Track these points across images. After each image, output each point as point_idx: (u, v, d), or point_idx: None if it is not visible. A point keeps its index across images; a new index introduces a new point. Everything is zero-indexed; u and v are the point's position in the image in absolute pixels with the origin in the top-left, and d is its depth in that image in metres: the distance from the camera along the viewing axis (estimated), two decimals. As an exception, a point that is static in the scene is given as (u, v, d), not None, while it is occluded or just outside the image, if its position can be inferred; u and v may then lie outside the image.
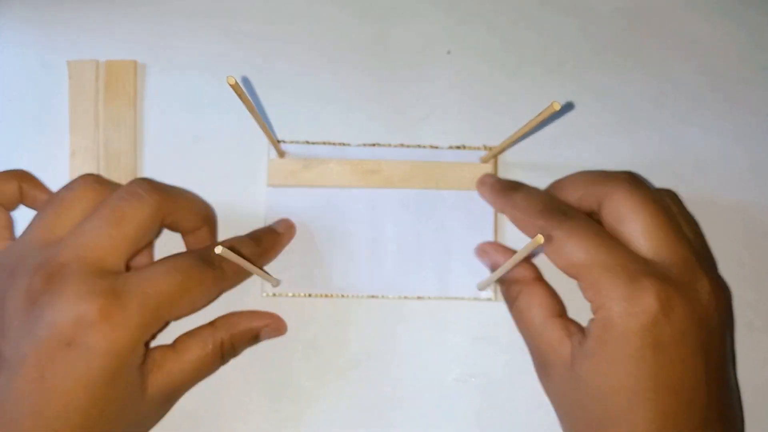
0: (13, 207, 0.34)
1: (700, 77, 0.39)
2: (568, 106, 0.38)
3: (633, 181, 0.31)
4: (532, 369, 0.33)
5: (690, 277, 0.28)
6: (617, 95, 0.39)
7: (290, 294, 0.35)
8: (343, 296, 0.35)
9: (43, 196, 0.34)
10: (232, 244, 0.32)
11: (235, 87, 0.26)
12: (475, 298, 0.35)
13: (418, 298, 0.35)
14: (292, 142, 0.37)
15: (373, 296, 0.35)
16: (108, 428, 0.28)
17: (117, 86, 0.37)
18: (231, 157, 0.37)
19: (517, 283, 0.32)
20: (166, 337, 0.32)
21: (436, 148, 0.37)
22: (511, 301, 0.33)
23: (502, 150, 0.36)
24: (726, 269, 0.36)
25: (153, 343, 0.31)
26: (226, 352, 0.32)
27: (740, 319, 0.36)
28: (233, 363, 0.34)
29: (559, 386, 0.31)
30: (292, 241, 0.35)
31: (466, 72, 0.39)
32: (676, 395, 0.27)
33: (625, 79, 0.39)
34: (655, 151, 0.38)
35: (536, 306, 0.31)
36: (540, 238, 0.24)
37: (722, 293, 0.29)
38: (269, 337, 0.34)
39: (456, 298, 0.35)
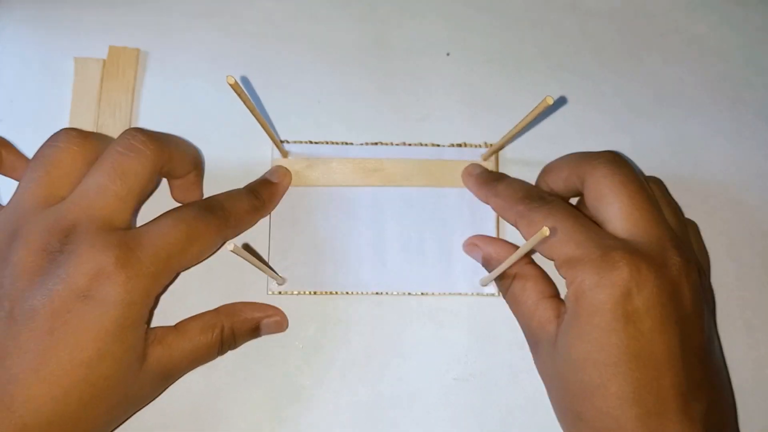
0: None
1: (700, 77, 0.40)
2: (561, 101, 0.38)
3: (615, 160, 0.31)
4: (533, 367, 0.33)
5: (661, 254, 0.29)
6: (617, 95, 0.39)
7: (295, 292, 0.35)
8: (347, 293, 0.35)
9: (22, 164, 0.34)
10: (232, 196, 0.33)
11: (234, 86, 0.26)
12: (478, 294, 0.35)
13: (422, 294, 0.35)
14: (295, 141, 0.37)
15: (377, 293, 0.35)
16: (108, 390, 0.28)
17: (117, 72, 0.38)
18: (235, 158, 0.37)
19: (511, 268, 0.33)
20: (170, 323, 0.32)
21: (438, 146, 0.37)
22: (505, 288, 0.33)
23: (501, 147, 0.36)
24: (725, 268, 0.36)
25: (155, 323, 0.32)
26: (225, 339, 0.32)
27: (739, 318, 0.36)
28: (234, 361, 0.34)
29: (545, 362, 0.31)
30: (297, 240, 0.35)
31: (466, 72, 0.39)
32: (648, 367, 0.27)
33: (625, 79, 0.39)
34: (654, 150, 0.38)
35: (529, 288, 0.32)
36: (546, 230, 0.24)
37: (695, 272, 0.30)
38: (270, 331, 0.34)
39: (459, 294, 0.35)
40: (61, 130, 0.31)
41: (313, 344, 0.34)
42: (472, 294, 0.35)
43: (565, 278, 0.30)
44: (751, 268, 0.37)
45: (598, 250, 0.29)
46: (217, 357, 0.33)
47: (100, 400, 0.28)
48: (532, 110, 0.30)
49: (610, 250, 0.28)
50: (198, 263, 0.32)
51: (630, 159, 0.37)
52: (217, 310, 0.33)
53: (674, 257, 0.29)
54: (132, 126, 0.37)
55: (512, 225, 0.33)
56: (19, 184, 0.30)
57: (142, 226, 0.30)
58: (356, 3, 0.40)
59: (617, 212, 0.30)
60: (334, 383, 0.34)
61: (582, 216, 0.31)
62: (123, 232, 0.29)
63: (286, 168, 0.36)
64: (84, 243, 0.28)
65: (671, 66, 0.40)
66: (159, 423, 0.33)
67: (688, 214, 0.37)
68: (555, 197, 0.32)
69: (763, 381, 0.35)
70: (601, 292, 0.28)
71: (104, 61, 0.38)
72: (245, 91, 0.27)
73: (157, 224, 0.30)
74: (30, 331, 0.27)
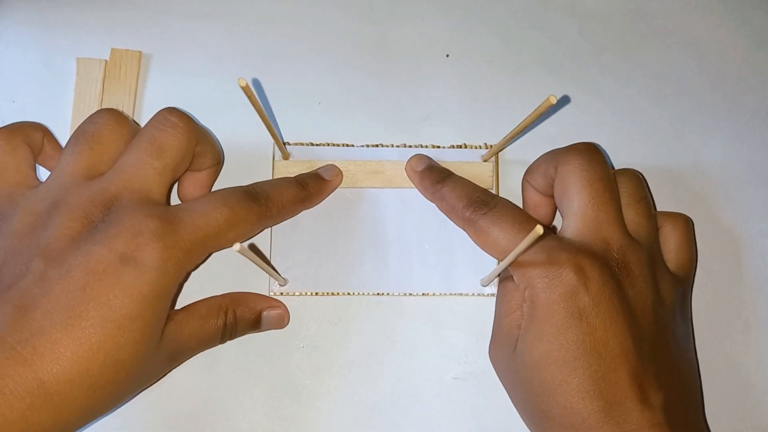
0: (36, 155, 0.34)
1: (700, 77, 0.40)
2: (564, 100, 0.39)
3: (586, 153, 0.32)
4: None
5: (603, 253, 0.30)
6: (617, 95, 0.39)
7: (297, 293, 0.35)
8: (348, 294, 0.35)
9: (57, 156, 0.34)
10: (278, 184, 0.34)
11: (245, 89, 0.26)
12: (479, 294, 0.35)
13: (423, 294, 0.35)
14: (296, 144, 0.37)
15: (378, 294, 0.35)
16: (133, 357, 0.28)
17: (119, 74, 0.38)
18: (236, 159, 0.37)
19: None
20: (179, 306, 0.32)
21: (438, 147, 0.37)
22: (503, 277, 0.33)
23: (502, 147, 0.36)
24: (724, 269, 0.37)
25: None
26: (228, 324, 0.33)
27: (738, 318, 0.36)
28: (235, 361, 0.34)
29: (507, 368, 0.32)
30: (298, 241, 0.35)
31: (467, 73, 0.39)
32: (604, 360, 0.28)
33: (625, 79, 0.39)
34: (654, 150, 0.38)
35: (520, 290, 0.32)
36: (539, 229, 0.24)
37: (642, 270, 0.30)
38: (270, 325, 0.34)
39: (460, 295, 0.35)
40: (100, 109, 0.32)
41: (313, 344, 0.35)
42: (473, 294, 0.35)
43: (518, 284, 0.31)
44: (750, 268, 0.37)
45: (543, 253, 0.29)
46: (219, 343, 0.33)
47: (123, 367, 0.27)
48: (535, 110, 0.29)
49: (556, 251, 0.29)
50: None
51: (631, 159, 0.38)
52: (224, 294, 0.34)
53: (614, 256, 0.30)
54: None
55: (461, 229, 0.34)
56: (61, 158, 0.31)
57: (184, 203, 0.31)
58: (356, 3, 0.40)
59: (576, 210, 0.31)
60: (335, 383, 0.34)
61: (525, 218, 0.31)
62: (165, 206, 0.30)
63: (339, 169, 0.36)
64: (126, 213, 0.28)
65: (671, 66, 0.40)
66: (159, 423, 0.33)
67: (687, 212, 0.36)
68: (500, 199, 0.33)
69: (762, 381, 0.35)
70: (553, 293, 0.29)
71: (106, 62, 0.38)
72: (255, 94, 0.27)
73: (200, 203, 0.30)
74: (62, 287, 0.26)
